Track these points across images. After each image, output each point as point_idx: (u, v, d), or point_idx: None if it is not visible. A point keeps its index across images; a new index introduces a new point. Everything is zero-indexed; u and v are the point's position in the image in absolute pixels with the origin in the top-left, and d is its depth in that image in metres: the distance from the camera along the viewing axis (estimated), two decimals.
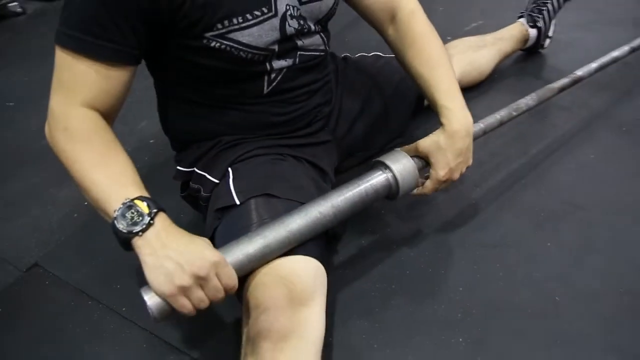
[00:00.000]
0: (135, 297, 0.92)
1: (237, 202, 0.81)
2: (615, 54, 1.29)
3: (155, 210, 0.67)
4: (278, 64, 0.83)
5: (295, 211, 0.76)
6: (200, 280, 0.65)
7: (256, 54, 0.79)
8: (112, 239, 0.97)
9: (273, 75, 0.85)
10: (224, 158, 0.89)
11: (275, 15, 0.78)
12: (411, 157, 0.87)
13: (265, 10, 0.76)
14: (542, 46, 1.52)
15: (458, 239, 1.01)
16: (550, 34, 1.51)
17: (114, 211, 0.66)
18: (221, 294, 0.67)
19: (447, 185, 0.92)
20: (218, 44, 0.75)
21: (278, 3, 0.78)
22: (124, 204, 0.66)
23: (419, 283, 0.93)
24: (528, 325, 0.84)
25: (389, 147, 1.18)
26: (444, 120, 0.89)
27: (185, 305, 0.65)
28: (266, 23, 0.77)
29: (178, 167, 0.95)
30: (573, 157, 1.18)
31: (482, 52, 1.40)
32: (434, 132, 0.89)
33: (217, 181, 0.87)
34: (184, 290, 0.64)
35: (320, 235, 0.81)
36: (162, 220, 0.67)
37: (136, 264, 0.98)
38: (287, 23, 0.80)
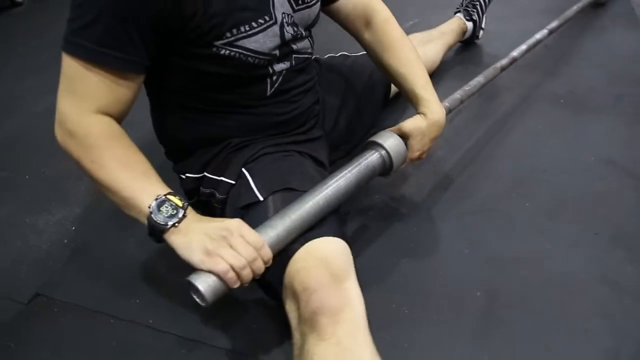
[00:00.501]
0: (159, 307, 0.94)
1: (261, 199, 0.85)
2: (538, 36, 1.47)
3: (187, 204, 0.74)
4: (278, 66, 0.89)
5: (309, 191, 0.82)
6: (228, 240, 0.70)
7: (262, 59, 0.84)
8: (116, 258, 0.97)
9: (274, 78, 0.90)
10: (236, 160, 0.93)
11: (276, 22, 0.84)
12: None
13: (267, 18, 0.82)
14: (477, 37, 1.70)
15: (446, 211, 1.11)
16: (483, 26, 1.68)
17: (148, 207, 0.72)
18: (251, 251, 0.70)
19: (415, 163, 1.03)
20: (227, 52, 0.79)
21: (276, 12, 0.84)
22: (157, 199, 0.72)
23: (425, 254, 1.01)
24: (530, 271, 0.96)
25: (366, 137, 1.28)
26: (424, 110, 0.98)
27: (222, 264, 0.68)
28: (269, 30, 0.83)
29: (187, 175, 0.97)
30: (525, 128, 1.34)
31: (429, 46, 1.53)
32: (415, 117, 0.98)
33: (233, 182, 0.91)
34: (217, 251, 0.69)
35: (335, 218, 0.87)
36: (192, 212, 0.75)
37: (149, 277, 0.99)
38: (284, 29, 0.86)
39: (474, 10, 1.62)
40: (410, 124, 0.98)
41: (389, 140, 0.93)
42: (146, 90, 0.93)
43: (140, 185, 0.75)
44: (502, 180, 1.17)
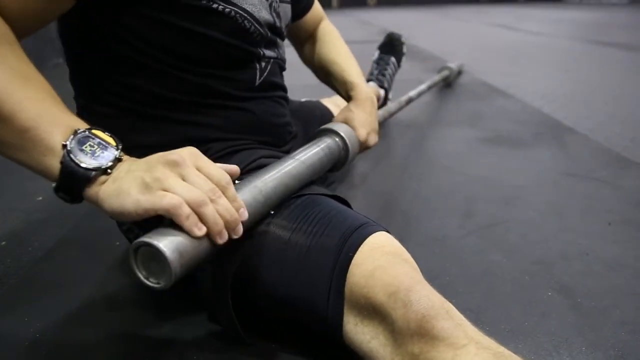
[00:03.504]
0: None
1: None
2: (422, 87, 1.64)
3: (121, 145, 0.52)
4: (267, 52, 0.77)
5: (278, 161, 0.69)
6: (178, 169, 0.49)
7: (257, 29, 0.71)
8: None
9: (263, 65, 0.77)
10: None
11: None
12: None
13: None
14: (386, 104, 1.74)
15: (459, 229, 0.99)
16: (390, 96, 1.75)
17: (64, 144, 0.49)
18: (211, 183, 0.50)
19: (365, 149, 0.93)
20: (222, 7, 0.65)
21: None
22: (77, 133, 0.50)
23: (467, 271, 0.85)
24: (581, 263, 0.86)
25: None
26: (353, 93, 0.94)
27: (168, 196, 0.47)
28: None
29: None
30: (484, 161, 1.35)
31: None
32: (343, 107, 0.93)
33: None
34: (161, 183, 0.48)
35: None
36: (128, 157, 0.53)
37: None
38: (273, 9, 0.76)
39: (385, 78, 1.68)
40: (340, 113, 0.91)
41: (340, 126, 0.85)
42: (73, 78, 0.72)
43: (48, 111, 0.51)
44: (494, 199, 1.11)
